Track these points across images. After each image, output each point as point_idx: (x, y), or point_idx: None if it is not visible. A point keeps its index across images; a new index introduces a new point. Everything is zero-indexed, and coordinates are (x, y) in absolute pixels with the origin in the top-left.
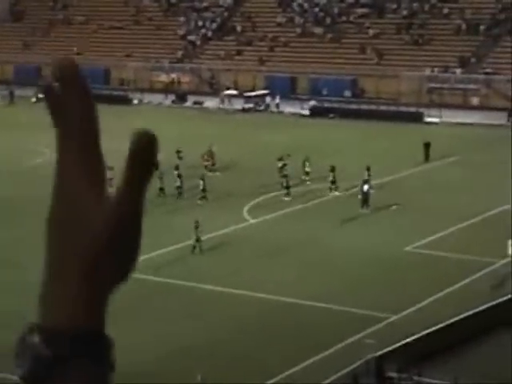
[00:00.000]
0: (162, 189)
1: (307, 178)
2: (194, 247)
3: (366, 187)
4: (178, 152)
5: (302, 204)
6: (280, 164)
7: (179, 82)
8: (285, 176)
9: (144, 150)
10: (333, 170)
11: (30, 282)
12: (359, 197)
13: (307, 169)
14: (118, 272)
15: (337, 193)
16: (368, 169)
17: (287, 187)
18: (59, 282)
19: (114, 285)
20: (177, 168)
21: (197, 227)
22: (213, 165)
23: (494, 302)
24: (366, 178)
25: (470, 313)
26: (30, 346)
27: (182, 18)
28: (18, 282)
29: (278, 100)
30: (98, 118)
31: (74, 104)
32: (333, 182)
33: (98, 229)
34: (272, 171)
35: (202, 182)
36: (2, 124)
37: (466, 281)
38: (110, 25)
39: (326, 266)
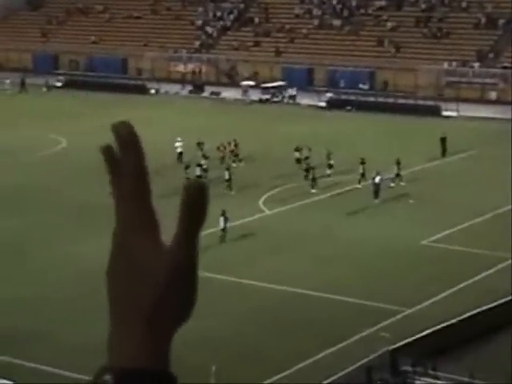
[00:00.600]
0: (188, 179)
1: (330, 172)
2: (223, 235)
3: (377, 179)
4: (200, 144)
5: (318, 196)
6: (297, 154)
7: (200, 72)
8: (311, 168)
9: (197, 200)
10: (363, 162)
11: (34, 269)
12: (371, 188)
13: (331, 161)
14: (179, 314)
15: (359, 185)
16: (398, 162)
17: (313, 179)
18: (124, 327)
19: (175, 326)
20: (203, 157)
21: (225, 217)
22: (236, 155)
23: (509, 298)
24: (396, 171)
25: (486, 308)
26: None
27: (199, 9)
28: (23, 270)
29: (294, 91)
30: (149, 175)
31: (130, 166)
32: (363, 175)
33: (157, 276)
34: (288, 163)
35: (227, 172)
36: (9, 112)
37: (481, 275)
38: (128, 14)
39: (342, 259)
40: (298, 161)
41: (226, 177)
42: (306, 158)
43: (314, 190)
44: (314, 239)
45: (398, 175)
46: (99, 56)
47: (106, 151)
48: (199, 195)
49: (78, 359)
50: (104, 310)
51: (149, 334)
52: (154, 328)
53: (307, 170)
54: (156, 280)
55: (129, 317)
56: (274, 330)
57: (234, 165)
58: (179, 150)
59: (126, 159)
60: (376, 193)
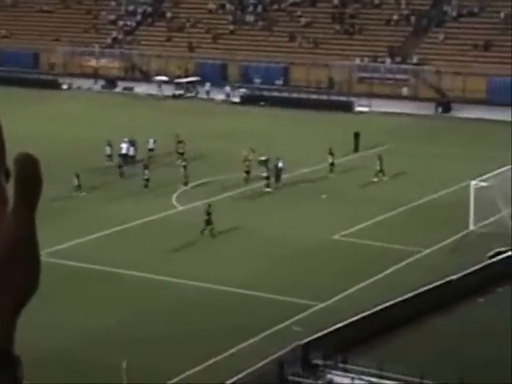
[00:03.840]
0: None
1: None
2: (204, 229)
3: (280, 164)
4: (131, 142)
5: (232, 191)
6: (180, 147)
7: (133, 69)
8: (267, 168)
9: (32, 173)
10: (331, 153)
11: None
12: (265, 175)
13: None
14: (22, 287)
15: (332, 174)
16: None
17: (267, 178)
18: None
19: (19, 301)
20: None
21: (208, 212)
22: (182, 153)
23: (417, 291)
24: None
25: (396, 301)
26: None
27: (112, 3)
28: None
29: (208, 87)
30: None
31: None
32: (332, 164)
33: None
34: (202, 159)
35: (146, 171)
36: None
37: (393, 269)
38: (39, 8)
39: (254, 253)
40: (182, 154)
41: (146, 176)
42: (248, 159)
43: (267, 189)
44: (227, 235)
45: (279, 158)
46: (10, 50)
47: None
48: (33, 168)
49: None
50: None
51: None
52: None
53: (248, 172)
54: None
55: None
56: (187, 326)
57: (177, 162)
58: (123, 151)
59: None
60: (278, 177)
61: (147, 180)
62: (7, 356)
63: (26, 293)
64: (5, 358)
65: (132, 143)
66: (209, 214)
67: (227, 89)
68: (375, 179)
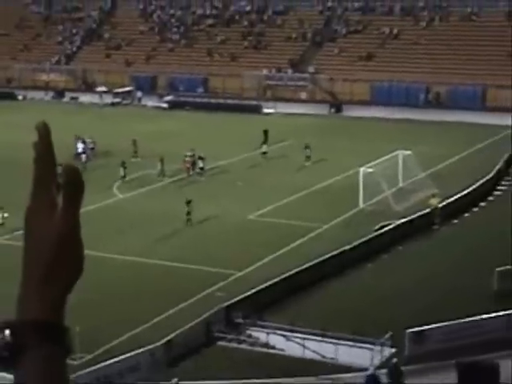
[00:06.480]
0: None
1: (202, 165)
2: (188, 220)
3: (200, 154)
4: (85, 141)
5: (163, 182)
6: (133, 147)
7: (80, 82)
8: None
9: (77, 179)
10: (307, 146)
11: None
12: (197, 170)
13: (201, 154)
14: (70, 274)
15: (308, 163)
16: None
17: (201, 168)
18: (26, 286)
19: (68, 284)
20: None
21: (188, 203)
22: (135, 152)
23: (320, 259)
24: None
25: (301, 268)
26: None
27: (59, 27)
28: None
29: (140, 95)
30: (53, 165)
31: (36, 153)
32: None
33: (50, 240)
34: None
35: (122, 169)
36: None
37: (297, 242)
38: None
39: (180, 232)
40: (136, 152)
41: (122, 173)
42: (192, 155)
43: (202, 178)
44: (159, 218)
45: (201, 158)
46: None
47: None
48: (77, 176)
49: None
50: None
51: (42, 290)
52: (48, 285)
53: (192, 165)
54: (49, 243)
55: (29, 277)
56: (127, 296)
57: (132, 159)
58: (80, 150)
59: (35, 149)
60: (197, 164)
61: (123, 177)
62: (57, 329)
63: (72, 281)
64: (56, 331)
65: (85, 142)
66: (189, 203)
67: (157, 97)
68: (307, 164)
